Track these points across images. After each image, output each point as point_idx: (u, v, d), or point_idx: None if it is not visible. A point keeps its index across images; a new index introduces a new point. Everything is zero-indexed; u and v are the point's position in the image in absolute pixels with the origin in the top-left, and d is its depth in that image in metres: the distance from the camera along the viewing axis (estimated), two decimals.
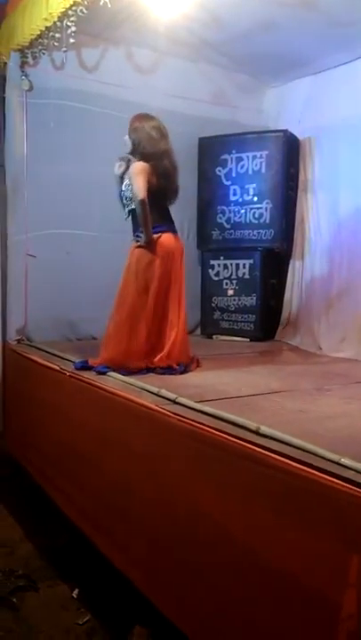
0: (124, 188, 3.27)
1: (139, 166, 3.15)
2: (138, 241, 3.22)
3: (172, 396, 2.45)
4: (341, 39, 4.00)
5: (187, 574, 2.08)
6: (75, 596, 2.71)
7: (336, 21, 3.71)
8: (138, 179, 3.12)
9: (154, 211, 3.15)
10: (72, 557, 3.00)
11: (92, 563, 2.79)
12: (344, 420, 2.25)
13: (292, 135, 4.72)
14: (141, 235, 3.18)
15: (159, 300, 3.19)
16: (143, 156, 3.18)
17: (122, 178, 3.31)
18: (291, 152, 4.73)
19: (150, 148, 3.18)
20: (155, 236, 3.18)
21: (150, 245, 3.17)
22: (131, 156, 3.28)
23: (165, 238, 3.22)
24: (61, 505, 3.12)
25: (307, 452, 1.74)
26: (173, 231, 3.31)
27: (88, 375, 2.95)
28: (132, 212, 3.24)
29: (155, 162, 3.16)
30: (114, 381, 2.84)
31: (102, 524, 2.70)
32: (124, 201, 3.28)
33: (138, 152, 3.21)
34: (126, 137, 3.25)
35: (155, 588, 2.28)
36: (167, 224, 3.29)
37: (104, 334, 3.28)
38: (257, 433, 1.93)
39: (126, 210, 3.29)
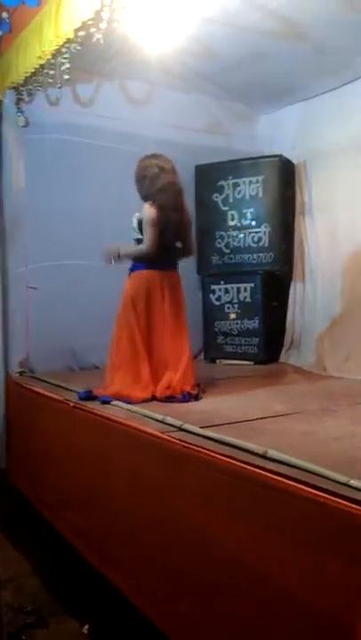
0: (134, 225, 3.28)
1: (150, 214, 3.17)
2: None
3: (177, 422, 2.44)
4: (329, 66, 4.10)
5: (199, 604, 2.04)
6: (85, 632, 2.65)
7: (323, 50, 3.81)
8: (150, 229, 3.16)
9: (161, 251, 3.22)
10: (81, 591, 2.94)
11: (102, 596, 2.74)
12: (351, 441, 2.23)
13: (286, 160, 4.79)
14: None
15: (155, 332, 3.22)
16: (151, 200, 3.21)
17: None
18: (286, 176, 4.79)
19: (147, 192, 3.24)
20: (141, 271, 3.24)
21: (119, 255, 3.25)
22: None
23: (148, 274, 3.25)
24: (68, 536, 3.08)
25: (315, 474, 1.73)
26: (161, 268, 3.28)
27: (92, 405, 2.94)
28: (136, 241, 3.28)
29: (161, 208, 3.17)
30: (118, 410, 2.83)
31: (110, 554, 2.66)
32: (137, 235, 3.30)
33: (142, 194, 3.28)
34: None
35: (167, 618, 2.23)
36: (161, 263, 3.27)
37: (108, 364, 3.28)
38: (264, 457, 1.92)
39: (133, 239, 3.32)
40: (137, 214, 3.26)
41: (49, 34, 3.12)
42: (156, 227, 3.16)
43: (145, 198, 3.24)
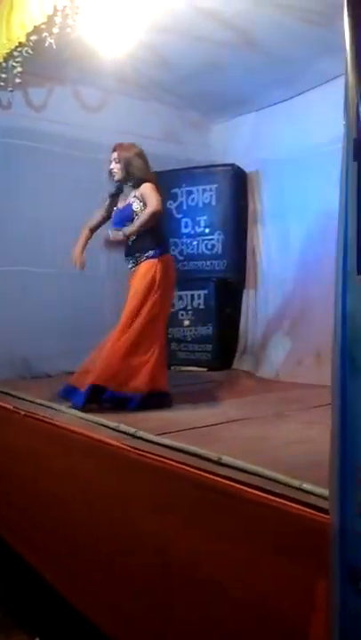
0: (136, 208, 3.23)
1: (150, 185, 3.21)
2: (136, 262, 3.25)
3: (131, 430, 2.42)
4: (281, 77, 4.18)
5: (156, 613, 2.03)
6: None
7: (276, 60, 3.88)
8: (154, 193, 3.18)
9: (158, 232, 3.25)
10: (30, 604, 2.88)
11: (53, 609, 2.68)
12: (305, 446, 2.26)
13: (239, 169, 4.86)
14: (150, 254, 3.21)
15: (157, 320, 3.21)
16: (138, 183, 3.24)
17: (111, 207, 3.36)
18: (239, 185, 4.85)
19: (143, 174, 3.25)
20: (161, 256, 3.23)
21: (123, 239, 3.18)
22: (118, 185, 3.30)
23: (169, 258, 3.32)
24: (19, 549, 3.01)
25: (268, 479, 1.74)
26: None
27: (43, 413, 2.89)
28: (141, 233, 3.20)
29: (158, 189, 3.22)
30: (70, 418, 2.80)
31: (64, 566, 2.61)
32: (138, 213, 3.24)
33: (133, 179, 3.27)
34: (113, 167, 3.29)
35: (124, 632, 2.21)
36: (166, 246, 3.36)
37: (110, 353, 3.12)
38: (219, 463, 1.93)
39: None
40: (133, 199, 3.25)
41: (0, 37, 3.08)
42: (158, 193, 3.20)
43: (140, 180, 3.25)
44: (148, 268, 3.20)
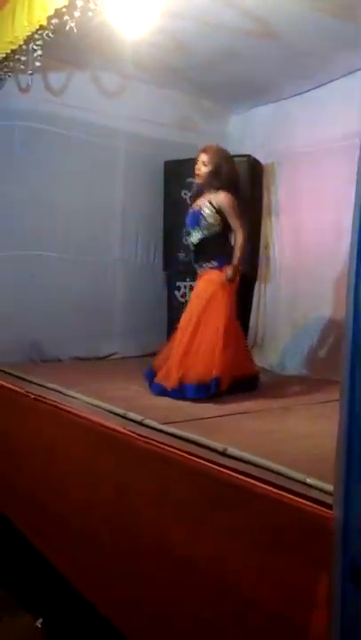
0: (206, 214, 3.28)
1: (231, 200, 3.26)
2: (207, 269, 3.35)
3: (138, 417, 2.44)
4: (301, 68, 4.13)
5: (157, 602, 2.05)
6: (39, 626, 2.63)
7: (296, 51, 3.83)
8: (235, 213, 3.26)
9: (226, 242, 3.33)
10: (34, 585, 2.92)
11: (55, 591, 2.72)
12: (311, 440, 2.27)
13: (255, 160, 4.81)
14: (214, 264, 3.31)
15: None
16: (226, 188, 3.27)
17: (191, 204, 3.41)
18: (254, 176, 4.81)
19: (235, 183, 3.32)
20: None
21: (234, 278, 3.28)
22: (200, 187, 3.35)
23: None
24: (24, 530, 3.04)
25: (273, 472, 1.75)
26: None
27: (54, 397, 2.91)
28: (202, 240, 3.32)
29: (237, 198, 3.28)
30: (79, 403, 2.81)
31: (66, 549, 2.64)
32: (203, 227, 3.31)
33: (223, 183, 3.29)
34: (200, 169, 3.32)
35: (123, 616, 2.23)
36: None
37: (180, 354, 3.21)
38: (224, 454, 1.93)
39: (197, 238, 3.35)
40: (207, 203, 3.29)
41: (22, 20, 3.07)
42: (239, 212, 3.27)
43: (220, 186, 3.27)
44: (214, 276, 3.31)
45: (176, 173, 4.92)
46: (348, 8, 3.13)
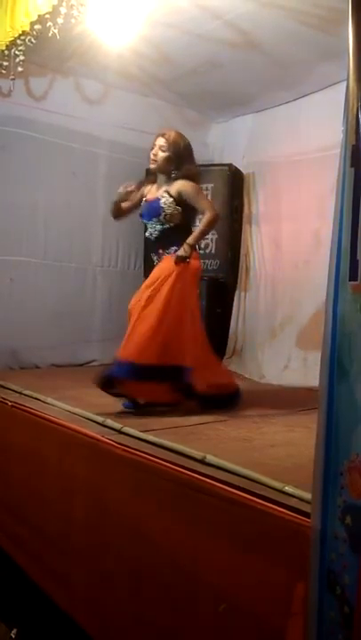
0: (165, 205, 3.01)
1: (194, 185, 3.05)
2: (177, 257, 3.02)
3: (117, 425, 2.42)
4: (283, 80, 4.19)
5: (131, 609, 2.03)
6: (13, 636, 2.59)
7: (278, 63, 3.89)
8: (202, 196, 3.14)
9: (188, 231, 3.07)
10: (8, 595, 2.87)
11: (31, 600, 2.68)
12: (288, 449, 2.27)
13: (236, 169, 4.86)
14: (172, 250, 3.04)
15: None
16: (185, 176, 3.05)
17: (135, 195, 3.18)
18: (235, 185, 4.85)
19: (193, 168, 3.11)
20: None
21: (186, 259, 3.01)
22: (154, 168, 3.10)
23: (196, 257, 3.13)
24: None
25: (251, 480, 1.75)
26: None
27: (31, 405, 2.88)
28: (162, 232, 3.07)
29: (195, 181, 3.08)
30: (59, 411, 2.79)
31: (42, 557, 2.61)
32: (162, 218, 3.04)
33: (180, 169, 3.05)
34: (156, 154, 3.06)
35: (97, 624, 2.21)
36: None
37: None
38: (203, 462, 1.93)
39: (157, 230, 3.08)
40: (163, 193, 3.04)
41: (4, 24, 3.06)
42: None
43: (177, 176, 3.04)
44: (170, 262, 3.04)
45: None
46: (329, 21, 3.18)
